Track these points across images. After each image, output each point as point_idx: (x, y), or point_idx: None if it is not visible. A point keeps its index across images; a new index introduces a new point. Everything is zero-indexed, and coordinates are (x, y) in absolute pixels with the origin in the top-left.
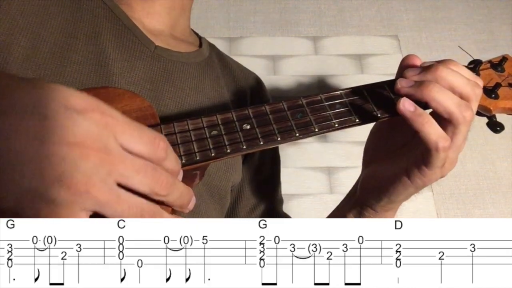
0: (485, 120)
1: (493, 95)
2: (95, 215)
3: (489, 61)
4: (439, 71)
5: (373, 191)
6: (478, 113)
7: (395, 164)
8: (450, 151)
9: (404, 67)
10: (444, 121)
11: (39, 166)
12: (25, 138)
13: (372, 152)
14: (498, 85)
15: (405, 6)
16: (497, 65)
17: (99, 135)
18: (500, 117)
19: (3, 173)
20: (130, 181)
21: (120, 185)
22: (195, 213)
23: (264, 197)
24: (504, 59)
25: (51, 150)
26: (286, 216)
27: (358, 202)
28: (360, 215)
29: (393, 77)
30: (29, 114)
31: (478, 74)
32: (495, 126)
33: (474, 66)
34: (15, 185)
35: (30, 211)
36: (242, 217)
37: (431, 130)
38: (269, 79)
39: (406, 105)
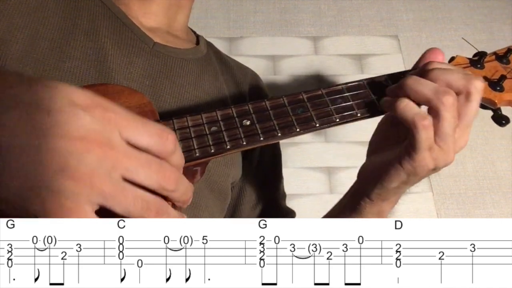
0: (485, 120)
1: (498, 88)
2: (100, 213)
3: (494, 53)
4: (433, 73)
5: (368, 177)
6: (483, 106)
7: (391, 152)
8: (438, 138)
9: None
10: (429, 111)
11: (44, 159)
12: (30, 132)
13: (375, 144)
14: (503, 78)
15: (405, 6)
16: (502, 57)
17: (103, 130)
18: (506, 111)
19: (8, 165)
20: (136, 176)
21: (126, 180)
22: (195, 209)
23: (266, 192)
24: (509, 50)
25: (55, 144)
26: (289, 210)
27: (355, 192)
28: (357, 204)
29: None
30: (34, 109)
31: (482, 67)
32: (501, 119)
33: (479, 58)
34: (19, 177)
35: (35, 201)
36: (246, 214)
37: (407, 109)
38: (269, 79)
39: (385, 98)
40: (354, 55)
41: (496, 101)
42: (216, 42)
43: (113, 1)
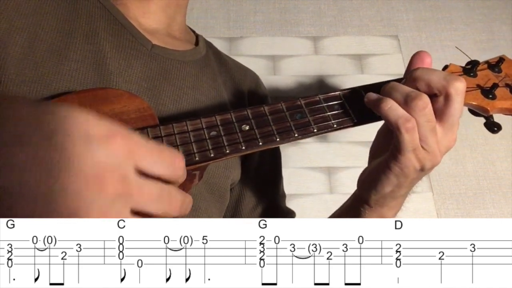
0: (483, 120)
1: (490, 96)
2: None
3: (486, 62)
4: (414, 73)
5: (364, 183)
6: (476, 113)
7: (382, 157)
8: (420, 141)
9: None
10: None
11: (54, 201)
12: (40, 171)
13: (374, 150)
14: (495, 86)
15: (405, 6)
16: (494, 66)
17: (119, 165)
18: (498, 118)
19: (16, 207)
20: (146, 209)
21: (134, 211)
22: (195, 211)
23: (266, 193)
24: (501, 59)
25: (66, 184)
26: (289, 211)
27: (355, 198)
28: (357, 211)
29: (393, 77)
30: (45, 145)
31: (475, 75)
32: (493, 127)
33: (472, 66)
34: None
35: None
36: (245, 215)
37: (391, 111)
38: (269, 79)
39: (369, 96)
40: (354, 55)
41: (488, 108)
42: (216, 42)
43: (111, 1)
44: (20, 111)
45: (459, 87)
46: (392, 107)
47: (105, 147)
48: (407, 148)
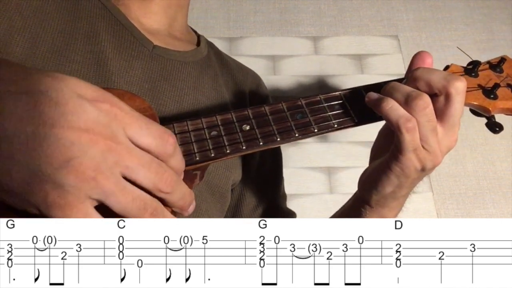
0: (485, 120)
1: (492, 96)
2: (98, 211)
3: (488, 62)
4: (415, 73)
5: (365, 184)
6: (477, 114)
7: (383, 157)
8: (421, 141)
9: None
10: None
11: (49, 149)
12: (37, 121)
13: (375, 151)
14: (496, 86)
15: (405, 6)
16: (496, 66)
17: (108, 125)
18: (499, 118)
19: (13, 153)
20: (135, 175)
21: (125, 178)
22: (195, 212)
23: (266, 193)
24: (502, 60)
25: (61, 134)
26: (290, 212)
27: (356, 199)
28: (358, 212)
29: (393, 77)
30: (42, 99)
31: (477, 75)
32: (494, 127)
33: (473, 67)
34: (24, 166)
35: (39, 193)
36: (246, 216)
37: (392, 111)
38: (269, 79)
39: (370, 96)
40: (354, 55)
41: (490, 108)
42: (216, 42)
43: (113, 2)
44: (16, 70)
45: (459, 87)
46: (393, 107)
47: (95, 107)
48: (408, 148)
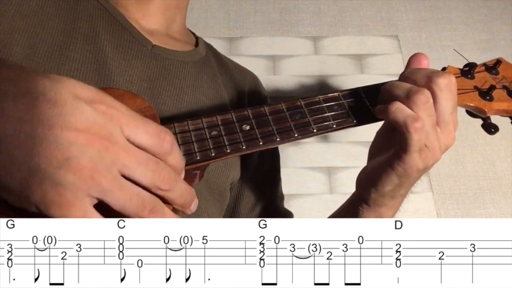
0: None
1: (488, 97)
2: (97, 209)
3: (484, 64)
4: (403, 74)
5: (364, 182)
6: (473, 115)
7: (383, 156)
8: (425, 137)
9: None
10: None
11: (48, 149)
12: (35, 121)
13: (373, 150)
14: (492, 87)
15: (405, 6)
16: (492, 68)
17: (105, 125)
18: (495, 119)
19: (13, 153)
20: (132, 173)
21: (123, 177)
22: (195, 210)
23: (264, 194)
24: (498, 62)
25: (59, 135)
26: (287, 212)
27: (354, 198)
28: (356, 211)
29: (393, 77)
30: (40, 100)
31: (473, 77)
32: (490, 128)
33: (469, 69)
34: (23, 165)
35: (38, 191)
36: (244, 215)
37: (398, 111)
38: (269, 79)
39: (377, 109)
40: (354, 55)
41: (485, 109)
42: (216, 42)
43: (112, 3)
44: (15, 71)
45: (441, 83)
46: (399, 108)
47: (92, 108)
48: (414, 148)
